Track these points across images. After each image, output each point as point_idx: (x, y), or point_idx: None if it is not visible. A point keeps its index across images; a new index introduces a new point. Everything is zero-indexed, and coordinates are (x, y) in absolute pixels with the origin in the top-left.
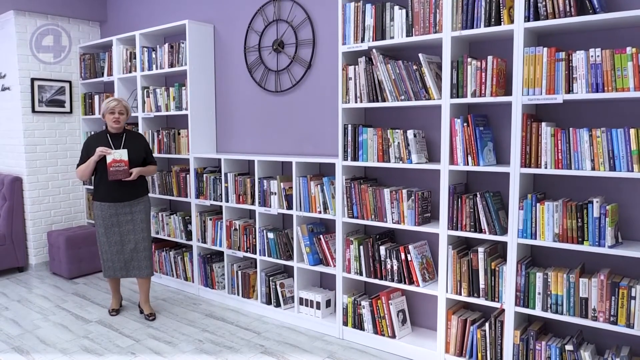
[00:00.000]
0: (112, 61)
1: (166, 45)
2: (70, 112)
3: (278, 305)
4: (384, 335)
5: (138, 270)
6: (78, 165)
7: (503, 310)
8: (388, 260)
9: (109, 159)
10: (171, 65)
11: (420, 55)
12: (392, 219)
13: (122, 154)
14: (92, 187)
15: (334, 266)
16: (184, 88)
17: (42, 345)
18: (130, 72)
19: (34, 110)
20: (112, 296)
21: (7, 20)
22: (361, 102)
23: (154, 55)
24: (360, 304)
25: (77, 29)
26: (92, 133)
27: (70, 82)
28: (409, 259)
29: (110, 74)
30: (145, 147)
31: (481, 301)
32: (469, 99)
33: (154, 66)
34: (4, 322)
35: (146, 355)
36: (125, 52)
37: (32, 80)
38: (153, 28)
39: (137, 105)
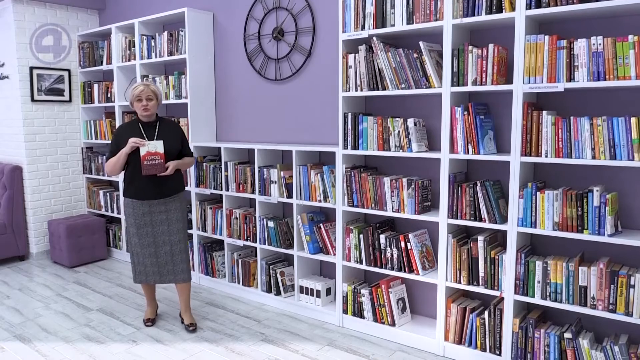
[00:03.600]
0: (111, 49)
1: (165, 34)
2: (70, 100)
3: (278, 293)
4: (383, 323)
5: (173, 275)
6: (108, 158)
7: (502, 299)
8: (388, 248)
9: (142, 152)
10: (170, 53)
11: (420, 43)
12: (392, 208)
13: (157, 146)
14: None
15: (334, 255)
16: (183, 76)
17: (43, 333)
18: (129, 60)
19: (33, 99)
20: (147, 304)
21: (5, 9)
22: (361, 90)
23: (153, 44)
24: (360, 292)
25: (75, 17)
26: (123, 122)
27: (69, 71)
28: (409, 247)
29: (109, 62)
30: (182, 137)
31: (481, 289)
32: (470, 87)
33: (153, 54)
34: (5, 310)
35: (147, 343)
36: (124, 40)
37: (31, 69)
38: (152, 16)
39: None
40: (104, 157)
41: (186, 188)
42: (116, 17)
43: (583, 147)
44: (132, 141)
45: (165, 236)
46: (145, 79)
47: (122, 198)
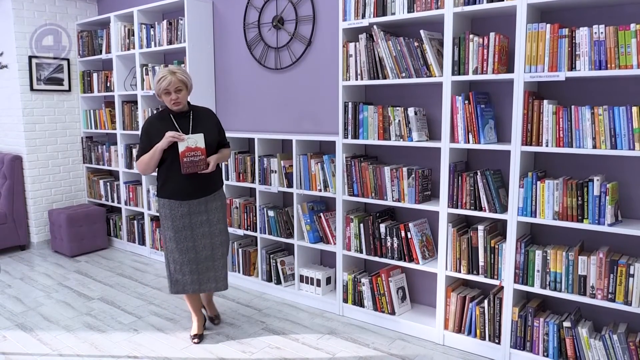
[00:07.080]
0: (110, 38)
1: (164, 22)
2: (69, 90)
3: (279, 282)
4: (383, 312)
5: (214, 283)
6: (138, 155)
7: (502, 288)
8: (388, 238)
9: (181, 147)
10: (170, 42)
11: (421, 31)
12: (393, 197)
13: (197, 140)
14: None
15: (334, 244)
16: (183, 65)
17: (45, 322)
18: (128, 49)
19: (32, 89)
20: (194, 317)
21: None
22: (362, 79)
23: (152, 32)
24: (360, 281)
25: (74, 5)
26: (153, 112)
27: (68, 60)
28: (409, 236)
29: (108, 51)
30: (218, 126)
31: (480, 278)
32: (471, 76)
33: (153, 43)
34: (7, 299)
35: (148, 332)
36: (123, 29)
37: (30, 58)
38: (151, 4)
39: (135, 83)
40: (104, 146)
41: None
42: (115, 5)
43: (584, 137)
44: (170, 135)
45: (206, 239)
46: (144, 68)
47: (153, 198)
